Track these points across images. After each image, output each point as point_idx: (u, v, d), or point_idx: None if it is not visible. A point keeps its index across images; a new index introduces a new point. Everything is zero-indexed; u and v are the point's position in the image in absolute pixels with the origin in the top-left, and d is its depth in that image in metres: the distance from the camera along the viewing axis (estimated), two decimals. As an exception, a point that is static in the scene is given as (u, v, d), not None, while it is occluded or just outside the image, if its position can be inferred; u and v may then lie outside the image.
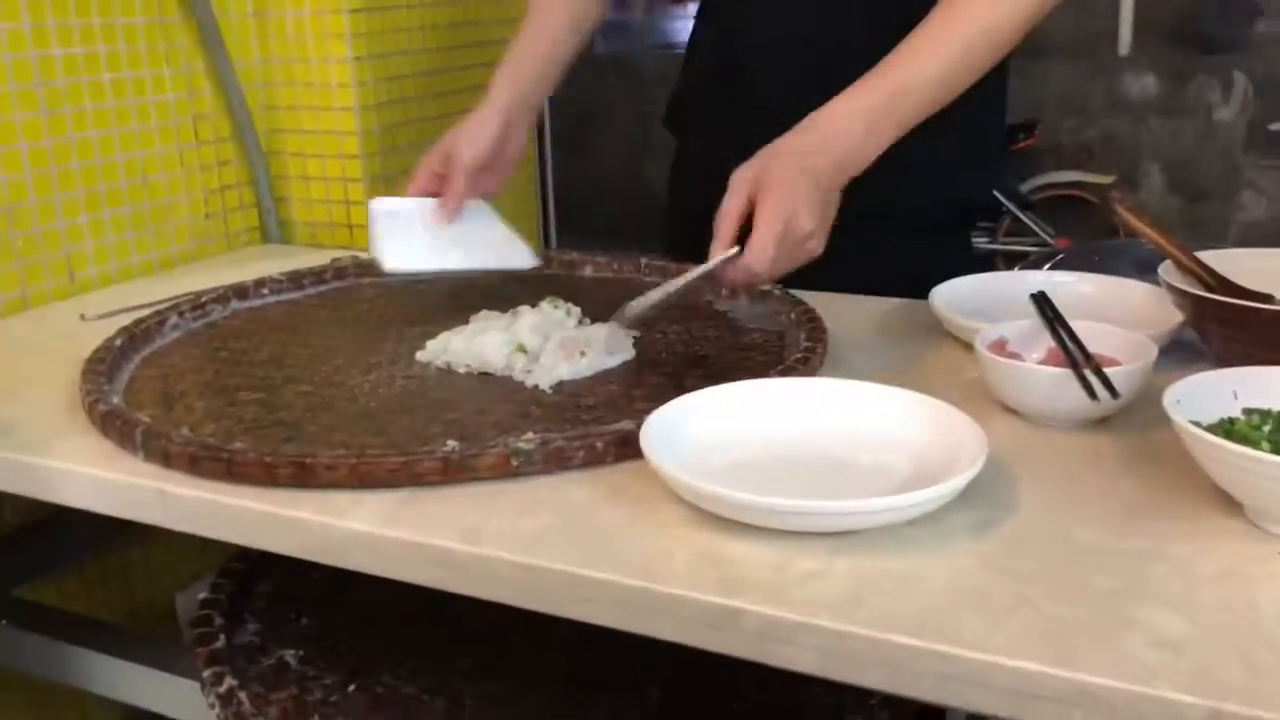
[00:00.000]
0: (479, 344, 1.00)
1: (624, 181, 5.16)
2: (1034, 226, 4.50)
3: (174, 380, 1.01)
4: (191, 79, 1.47)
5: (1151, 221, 0.97)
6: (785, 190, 0.90)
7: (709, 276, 0.93)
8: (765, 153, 0.95)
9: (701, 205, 0.99)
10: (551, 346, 0.99)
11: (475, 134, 1.17)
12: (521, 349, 0.99)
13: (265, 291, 1.24)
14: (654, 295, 0.98)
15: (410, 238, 1.16)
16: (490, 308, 1.11)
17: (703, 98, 1.33)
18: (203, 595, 1.03)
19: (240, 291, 1.22)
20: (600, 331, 1.02)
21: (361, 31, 1.50)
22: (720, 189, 0.93)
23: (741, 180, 0.93)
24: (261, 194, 1.57)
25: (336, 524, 0.75)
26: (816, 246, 0.93)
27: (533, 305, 1.06)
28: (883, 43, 1.00)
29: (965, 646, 0.59)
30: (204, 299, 1.19)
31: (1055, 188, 4.61)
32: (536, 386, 0.95)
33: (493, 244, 1.20)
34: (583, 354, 0.98)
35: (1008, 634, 0.60)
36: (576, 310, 1.07)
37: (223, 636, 0.98)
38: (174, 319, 1.14)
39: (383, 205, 1.18)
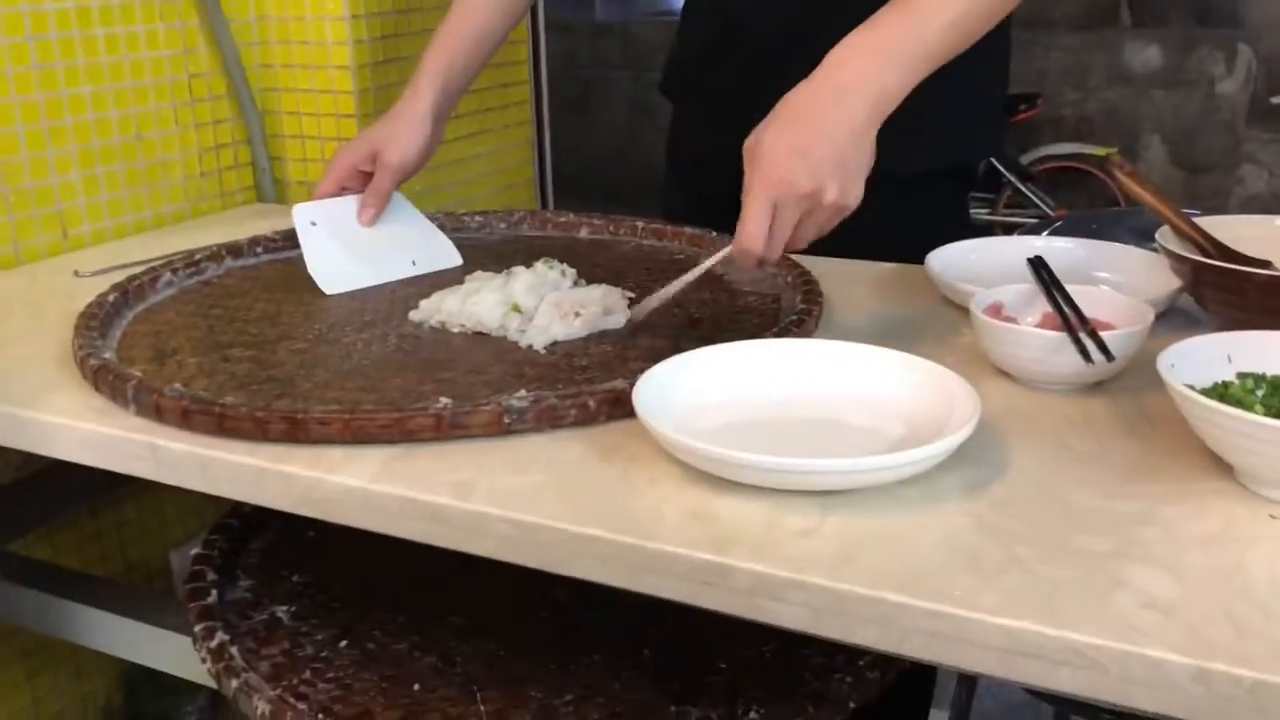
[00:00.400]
0: (473, 304, 0.99)
1: (622, 148, 5.14)
2: (1034, 198, 4.48)
3: (167, 337, 1.00)
4: (186, 36, 1.46)
5: (1150, 187, 0.96)
6: (769, 159, 0.86)
7: (721, 263, 0.92)
8: (767, 118, 0.90)
9: (698, 170, 0.98)
10: (545, 306, 0.98)
11: (406, 140, 1.17)
12: (516, 309, 0.99)
13: (259, 250, 1.23)
14: (663, 292, 0.96)
15: (342, 247, 1.16)
16: (484, 268, 1.10)
17: (698, 63, 1.32)
18: (195, 551, 1.03)
19: (234, 250, 1.21)
20: (595, 292, 1.01)
21: (358, -12, 1.49)
22: (716, 154, 0.92)
23: (746, 151, 0.88)
24: (257, 153, 1.56)
25: (328, 479, 0.75)
26: (840, 199, 0.86)
27: (527, 266, 1.06)
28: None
29: (955, 604, 0.59)
30: (198, 256, 1.18)
31: (1055, 159, 4.59)
32: (530, 347, 0.95)
33: (421, 244, 1.21)
34: (577, 314, 0.98)
35: (998, 592, 0.60)
36: (572, 271, 1.06)
37: (215, 592, 0.98)
38: (167, 276, 1.13)
39: (306, 213, 1.16)
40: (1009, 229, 4.41)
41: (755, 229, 0.86)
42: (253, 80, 1.54)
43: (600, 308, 0.99)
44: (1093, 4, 4.91)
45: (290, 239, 1.25)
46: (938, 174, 1.23)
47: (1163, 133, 4.63)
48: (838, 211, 0.87)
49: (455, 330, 1.00)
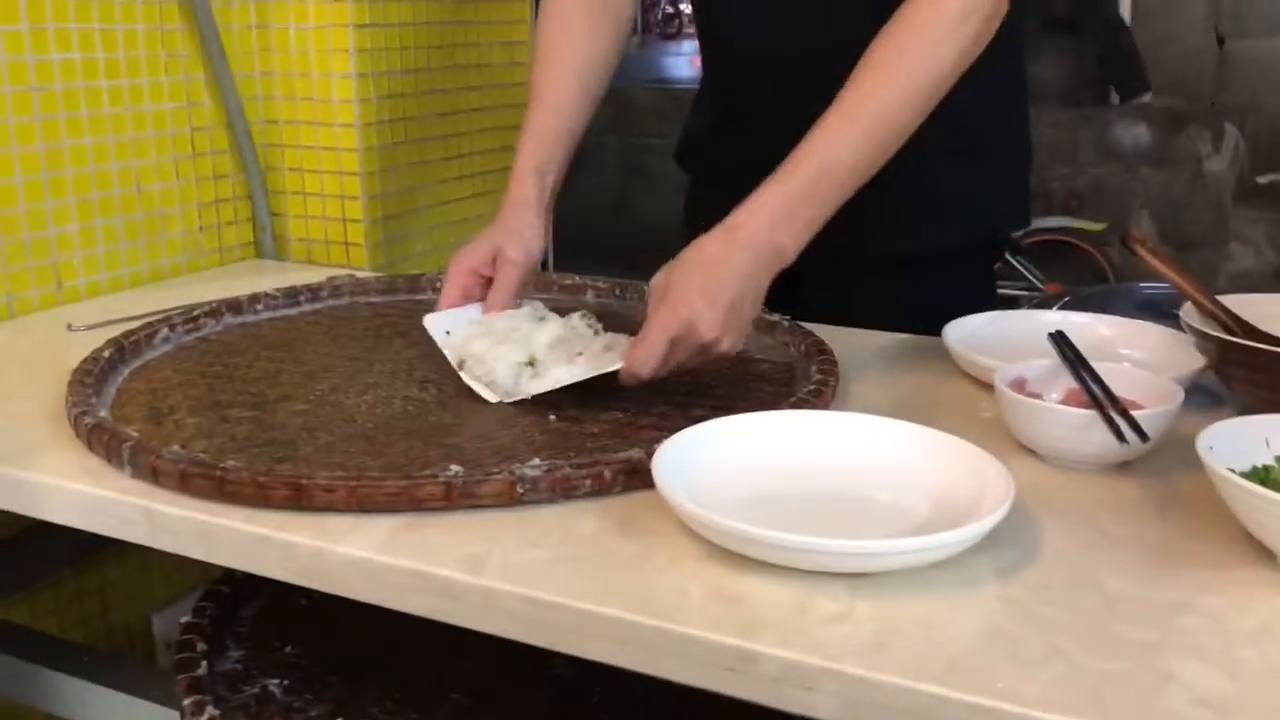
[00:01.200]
0: (494, 359, 0.97)
1: (615, 211, 5.15)
2: (1024, 271, 4.50)
3: (163, 395, 0.97)
4: (191, 90, 1.44)
5: (1172, 263, 0.95)
6: (679, 297, 0.90)
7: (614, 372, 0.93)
8: (673, 263, 0.94)
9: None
10: (555, 355, 0.97)
11: (528, 234, 1.10)
12: (531, 363, 0.96)
13: (260, 307, 1.21)
14: (553, 385, 0.94)
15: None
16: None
17: (707, 138, 1.33)
18: (185, 619, 0.99)
19: (234, 306, 1.19)
20: (598, 342, 0.99)
21: (365, 48, 1.48)
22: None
23: (653, 288, 0.93)
24: (258, 209, 1.54)
25: (332, 549, 0.72)
26: (727, 347, 0.92)
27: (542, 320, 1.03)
28: None
29: (998, 697, 0.56)
30: (196, 312, 1.15)
31: (1045, 233, 4.62)
32: (530, 400, 0.93)
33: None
34: (579, 354, 0.96)
35: (1041, 684, 0.57)
36: (601, 329, 1.03)
37: (204, 663, 0.93)
38: (164, 332, 1.11)
39: (439, 324, 1.06)
40: (1000, 301, 4.41)
41: (649, 358, 0.89)
42: (256, 136, 1.53)
43: (600, 345, 0.98)
44: (1082, 80, 4.98)
45: (291, 296, 1.23)
46: (970, 247, 1.23)
47: (1151, 209, 4.67)
48: (717, 355, 0.93)
49: (464, 377, 0.98)
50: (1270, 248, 4.59)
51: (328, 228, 1.55)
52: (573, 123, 1.17)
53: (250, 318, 1.19)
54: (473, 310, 1.07)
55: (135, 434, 0.85)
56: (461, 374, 0.99)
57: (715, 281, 0.91)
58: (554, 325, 1.01)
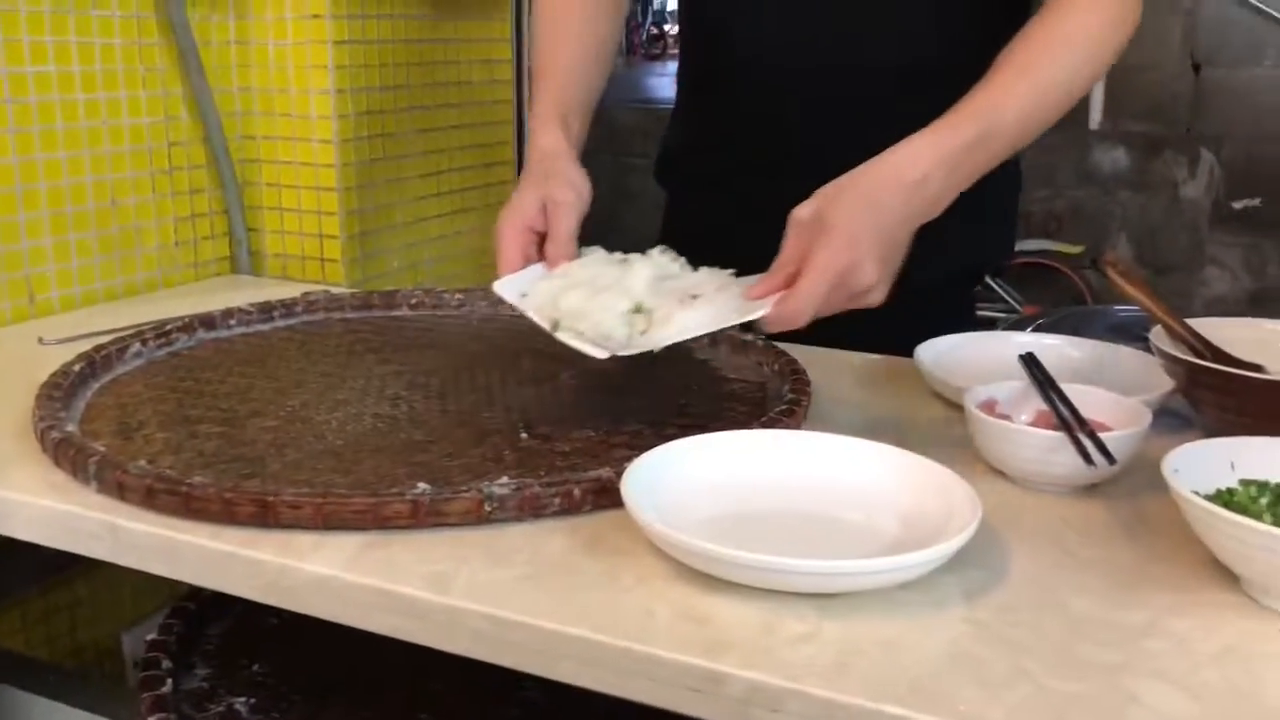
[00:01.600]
0: (598, 310, 0.85)
1: (602, 230, 5.15)
2: (1002, 293, 4.53)
3: (133, 410, 0.97)
4: (168, 104, 1.44)
5: (1144, 286, 0.96)
6: (849, 235, 0.81)
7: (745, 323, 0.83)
8: (831, 189, 0.86)
9: (691, 253, 0.97)
10: (665, 301, 0.85)
11: (570, 173, 1.01)
12: (639, 309, 0.85)
13: (233, 322, 1.20)
14: (688, 335, 0.85)
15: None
16: (464, 350, 1.07)
17: (686, 153, 1.32)
18: (151, 636, 0.98)
19: (207, 321, 1.18)
20: (710, 282, 0.89)
21: (344, 64, 1.48)
22: (709, 235, 0.91)
23: (800, 222, 0.84)
24: (234, 224, 1.54)
25: (297, 566, 0.71)
26: (878, 298, 0.84)
27: (556, 329, 0.90)
28: (877, 121, 0.97)
29: (961, 719, 0.56)
30: (169, 327, 1.15)
31: (1024, 256, 4.65)
32: (515, 428, 0.92)
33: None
34: (693, 297, 0.84)
35: (1005, 707, 0.57)
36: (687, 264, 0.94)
37: (169, 681, 0.92)
38: (136, 346, 1.10)
39: (510, 287, 0.94)
40: (978, 323, 4.43)
41: (807, 304, 0.81)
42: (234, 151, 1.52)
43: (713, 285, 0.87)
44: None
45: (265, 311, 1.22)
46: (953, 278, 1.23)
47: (1129, 232, 4.71)
48: (866, 305, 0.85)
49: (563, 337, 0.85)
50: (1245, 272, 4.63)
51: (304, 243, 1.54)
52: (587, 93, 1.11)
53: (223, 333, 1.19)
54: (537, 270, 0.95)
55: (102, 449, 0.85)
56: (558, 336, 0.86)
57: (885, 224, 0.83)
58: (643, 265, 0.90)
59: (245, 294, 1.32)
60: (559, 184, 0.98)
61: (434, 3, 1.62)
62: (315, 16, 1.46)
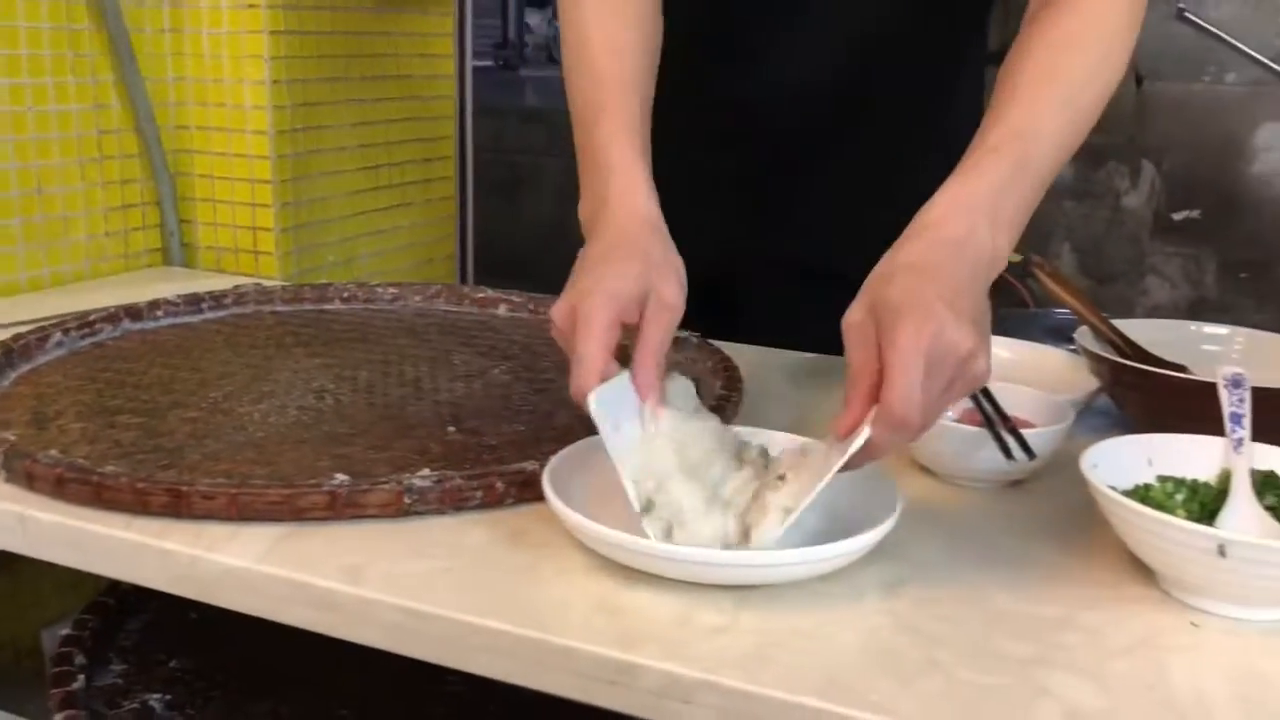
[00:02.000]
0: (694, 530, 0.68)
1: (551, 235, 5.14)
2: (948, 299, 4.57)
3: (50, 400, 0.94)
4: (98, 92, 1.41)
5: (1071, 287, 0.97)
6: (919, 306, 0.67)
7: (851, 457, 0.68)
8: (874, 280, 0.71)
9: None
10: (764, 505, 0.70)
11: (681, 275, 0.79)
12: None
13: (160, 313, 1.18)
14: (805, 497, 0.68)
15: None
16: (396, 341, 1.06)
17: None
18: (65, 631, 0.95)
19: (133, 312, 1.16)
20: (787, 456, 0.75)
21: (281, 55, 1.46)
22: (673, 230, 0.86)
23: (856, 325, 0.69)
24: (166, 215, 1.51)
25: (209, 557, 0.70)
26: (984, 366, 0.69)
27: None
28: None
29: (873, 710, 0.56)
30: (92, 317, 1.12)
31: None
32: (442, 422, 0.91)
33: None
34: (788, 511, 0.68)
35: (917, 699, 0.57)
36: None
37: (82, 677, 0.90)
38: (58, 336, 1.07)
39: (602, 405, 0.73)
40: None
41: (910, 392, 0.65)
42: (166, 141, 1.50)
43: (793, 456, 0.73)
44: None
45: (193, 303, 1.20)
46: None
47: (1073, 241, 4.78)
48: (976, 382, 0.70)
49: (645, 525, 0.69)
50: (1184, 282, 4.71)
51: (238, 236, 1.52)
52: (646, 104, 0.91)
53: (149, 324, 1.16)
54: (624, 383, 0.75)
55: (13, 438, 0.82)
56: (645, 520, 0.69)
57: (950, 286, 0.69)
58: (742, 470, 0.75)
59: (176, 286, 1.30)
60: (667, 277, 0.77)
61: (375, -5, 1.60)
62: (251, 6, 1.43)
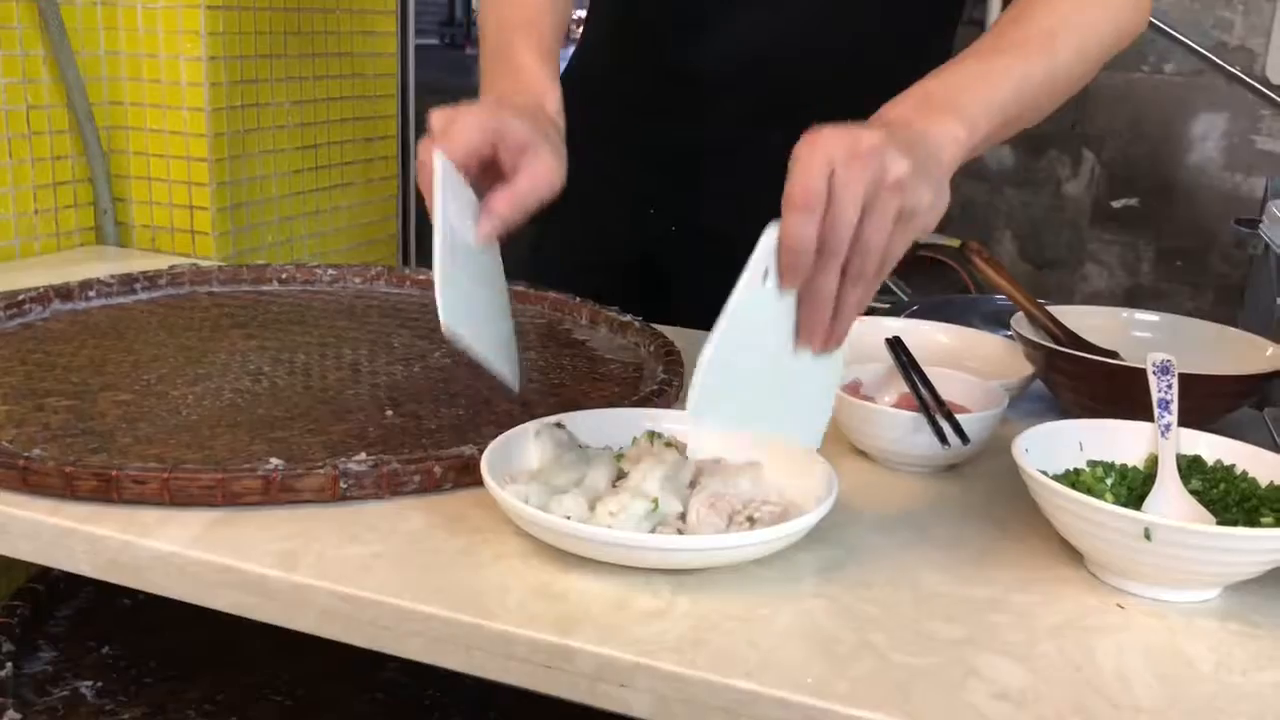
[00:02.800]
0: (620, 522, 0.66)
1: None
2: (891, 285, 4.62)
3: (-25, 382, 0.92)
4: (27, 65, 1.37)
5: (1005, 273, 0.98)
6: (839, 127, 0.65)
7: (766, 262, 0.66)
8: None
9: (586, 199, 0.91)
10: (699, 509, 0.69)
11: (561, 151, 0.78)
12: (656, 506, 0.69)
13: (92, 294, 1.15)
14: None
15: (461, 265, 0.73)
16: (334, 324, 1.05)
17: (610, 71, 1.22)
18: (-8, 618, 0.94)
19: (63, 292, 1.13)
20: (743, 483, 0.72)
21: (218, 30, 1.43)
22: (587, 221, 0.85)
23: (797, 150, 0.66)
24: (99, 193, 1.48)
25: (139, 542, 0.69)
26: (926, 203, 0.67)
27: (539, 429, 0.77)
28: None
29: (806, 693, 0.56)
30: (21, 297, 1.09)
31: (912, 248, 4.74)
32: (380, 405, 0.90)
33: (507, 340, 0.82)
34: (750, 520, 0.68)
35: (850, 681, 0.58)
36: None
37: (10, 664, 0.89)
38: (-16, 317, 1.05)
39: (447, 173, 0.71)
40: (868, 313, 4.50)
41: (810, 183, 0.62)
42: (100, 118, 1.46)
43: (774, 504, 0.71)
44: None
45: (126, 284, 1.18)
46: None
47: (1014, 228, 4.84)
48: (919, 217, 0.68)
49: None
50: (1122, 269, 4.80)
51: (174, 215, 1.49)
52: (559, 33, 0.93)
53: (80, 305, 1.14)
54: (467, 199, 0.73)
55: (-64, 421, 0.80)
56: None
57: (895, 133, 0.67)
58: (648, 464, 0.71)
59: (109, 266, 1.28)
60: (554, 148, 0.77)
61: (315, -29, 1.57)
62: (187, -21, 1.40)
